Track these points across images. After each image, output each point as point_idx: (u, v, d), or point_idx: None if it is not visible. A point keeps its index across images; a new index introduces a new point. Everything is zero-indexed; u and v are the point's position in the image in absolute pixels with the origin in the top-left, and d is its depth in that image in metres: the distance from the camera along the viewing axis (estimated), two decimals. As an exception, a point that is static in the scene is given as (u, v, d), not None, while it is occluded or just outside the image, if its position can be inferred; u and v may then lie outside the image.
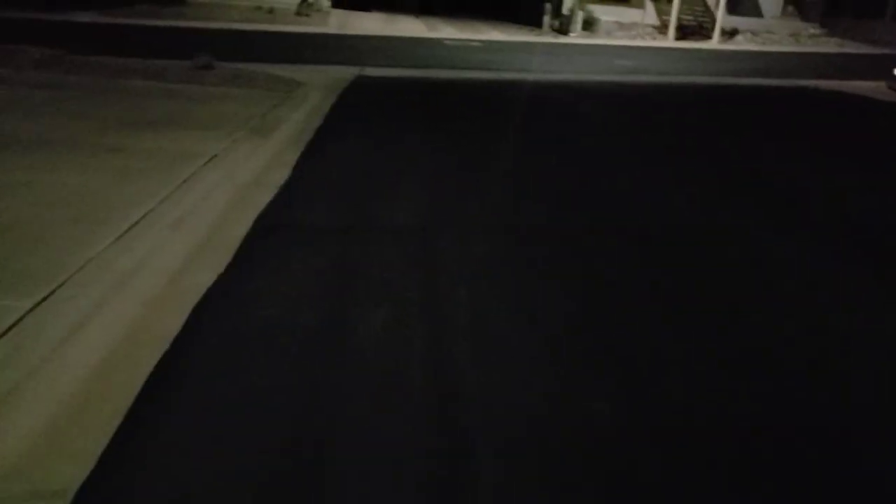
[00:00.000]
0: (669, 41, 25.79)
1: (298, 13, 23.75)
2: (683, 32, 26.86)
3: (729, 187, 6.28)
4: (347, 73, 12.27)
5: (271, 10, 23.64)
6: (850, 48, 27.53)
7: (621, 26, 26.58)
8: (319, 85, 10.38)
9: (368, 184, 5.69)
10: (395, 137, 7.49)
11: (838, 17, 33.13)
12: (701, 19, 28.47)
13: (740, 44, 26.78)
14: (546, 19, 25.04)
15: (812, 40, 28.84)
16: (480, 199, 5.45)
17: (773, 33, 28.83)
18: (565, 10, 25.96)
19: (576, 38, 24.55)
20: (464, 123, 8.51)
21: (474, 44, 19.99)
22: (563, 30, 25.17)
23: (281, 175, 5.61)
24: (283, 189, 5.28)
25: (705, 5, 28.61)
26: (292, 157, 6.19)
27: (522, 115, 9.46)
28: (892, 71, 13.95)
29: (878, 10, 33.92)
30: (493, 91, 11.58)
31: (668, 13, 27.29)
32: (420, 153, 6.85)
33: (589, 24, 25.70)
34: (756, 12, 29.39)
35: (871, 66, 20.94)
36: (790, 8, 29.84)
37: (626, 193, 5.94)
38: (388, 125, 8.06)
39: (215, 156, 5.79)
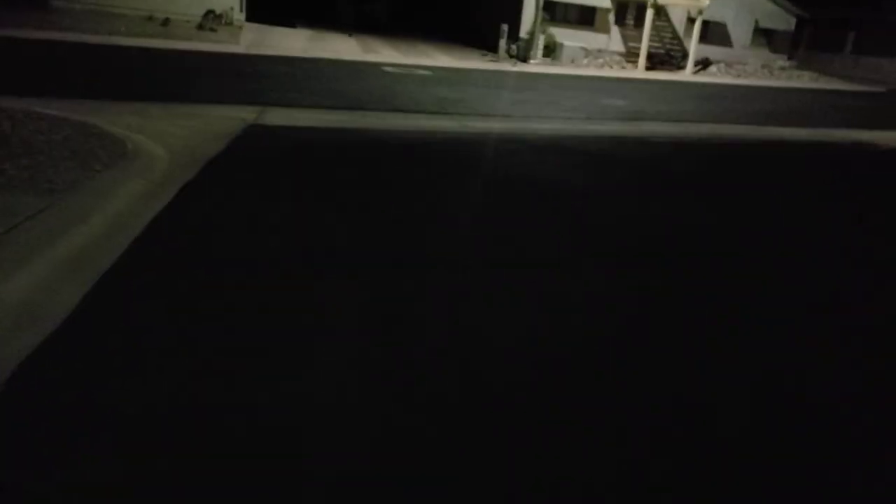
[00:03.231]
0: (640, 71, 22.68)
1: (201, 27, 19.17)
2: (652, 62, 23.88)
3: None
4: (235, 119, 7.98)
5: (166, 22, 18.97)
6: (827, 83, 25.30)
7: (586, 53, 23.31)
8: (170, 149, 6.08)
9: None
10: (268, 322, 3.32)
11: (798, 48, 31.33)
12: (669, 47, 25.64)
13: (715, 75, 24.00)
14: (502, 43, 21.39)
15: (785, 73, 26.50)
16: None
17: (744, 64, 26.33)
18: (524, 34, 22.45)
19: (537, 65, 21.03)
20: (418, 255, 4.39)
21: (421, 72, 16.01)
22: (521, 56, 21.61)
23: None
24: None
25: (674, 33, 25.81)
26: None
27: (523, 222, 5.45)
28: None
29: (838, 45, 32.44)
30: (462, 159, 7.49)
31: (636, 40, 24.29)
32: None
33: (550, 51, 22.26)
34: (726, 42, 26.85)
35: (872, 108, 18.33)
36: (761, 39, 27.46)
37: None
38: (255, 275, 3.83)
39: None
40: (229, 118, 8.04)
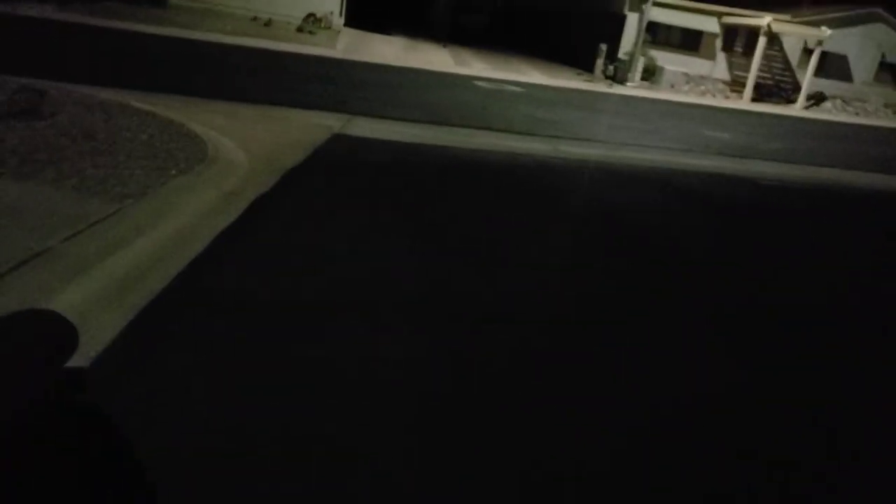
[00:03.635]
0: (745, 102, 21.29)
1: (300, 29, 19.53)
2: (759, 93, 22.39)
3: None
4: (322, 126, 7.78)
5: (269, 23, 19.45)
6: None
7: (688, 79, 22.15)
8: (252, 155, 5.88)
9: None
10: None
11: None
12: (779, 78, 24.01)
13: (830, 112, 22.23)
14: (599, 63, 20.63)
15: (910, 114, 24.22)
16: None
17: (863, 101, 24.27)
18: (622, 55, 21.59)
19: (634, 88, 20.11)
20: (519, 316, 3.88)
21: (512, 88, 15.54)
22: (618, 78, 20.75)
23: None
24: None
25: (786, 63, 24.15)
26: None
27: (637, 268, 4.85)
28: None
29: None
30: (549, 190, 6.93)
31: (743, 68, 22.87)
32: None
33: (650, 73, 21.28)
34: (844, 76, 24.86)
35: None
36: (885, 75, 25.25)
37: None
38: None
39: None
40: (316, 125, 7.85)
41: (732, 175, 8.93)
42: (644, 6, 20.31)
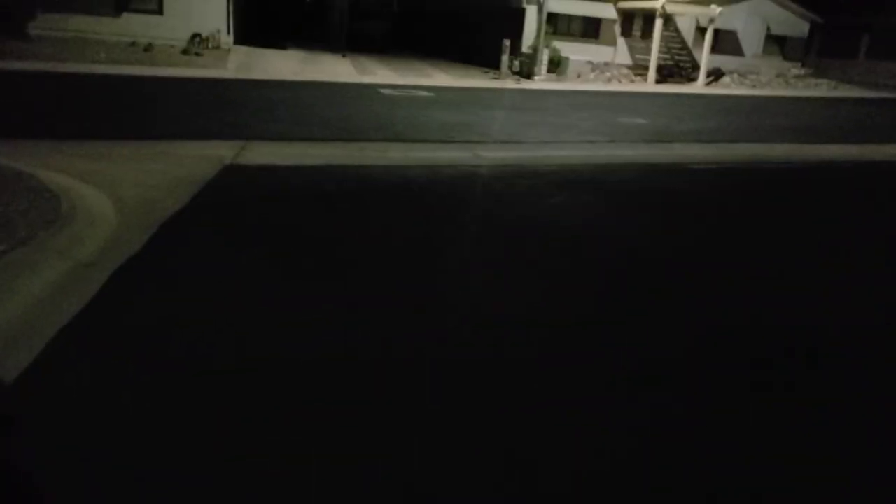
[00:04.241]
0: (650, 84, 21.57)
1: (186, 52, 18.06)
2: (662, 74, 22.77)
3: None
4: (211, 157, 6.75)
5: (149, 48, 17.87)
6: (848, 91, 24.19)
7: (592, 66, 22.21)
8: (122, 204, 4.83)
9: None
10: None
11: (809, 55, 30.25)
12: (678, 58, 24.55)
13: (729, 87, 22.89)
14: (505, 59, 20.27)
15: (802, 82, 25.40)
16: None
17: (757, 73, 25.21)
18: (526, 48, 21.35)
19: (542, 81, 19.90)
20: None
21: (421, 93, 14.84)
22: (525, 72, 20.49)
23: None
24: None
25: (683, 43, 24.73)
26: None
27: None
28: None
29: (852, 51, 31.36)
30: (478, 205, 6.21)
31: (643, 51, 23.20)
32: None
33: (555, 65, 21.15)
34: (736, 51, 25.75)
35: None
36: (773, 46, 26.37)
37: None
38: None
39: None
40: (205, 157, 6.82)
41: (661, 163, 8.56)
42: (541, -2, 20.16)
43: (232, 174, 6.31)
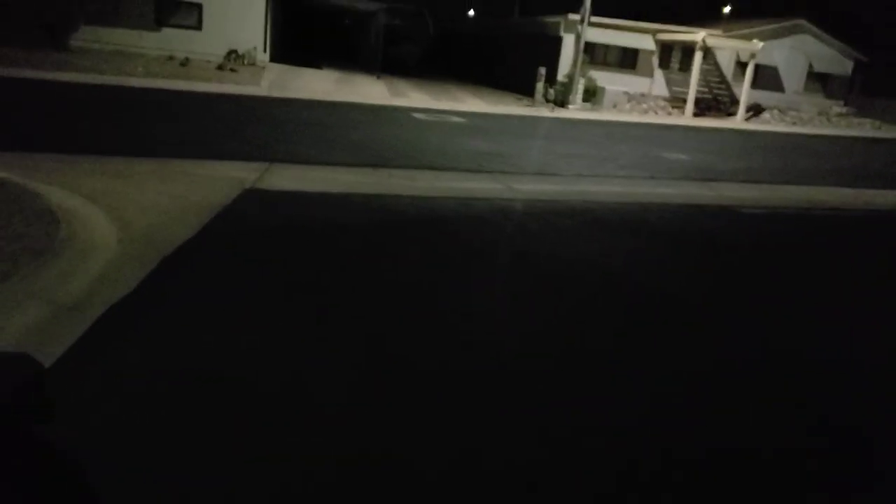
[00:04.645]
0: (688, 117, 21.03)
1: (221, 67, 18.11)
2: (699, 107, 22.22)
3: None
4: (232, 180, 6.45)
5: (186, 62, 17.95)
6: (891, 131, 23.34)
7: (629, 97, 21.77)
8: (127, 231, 4.52)
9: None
10: None
11: (852, 93, 29.40)
12: (717, 92, 24.01)
13: (769, 123, 22.23)
14: (539, 87, 19.96)
15: (844, 120, 24.62)
16: None
17: (797, 110, 24.51)
18: (562, 76, 21.03)
19: (577, 111, 19.51)
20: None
21: (454, 119, 14.55)
22: (559, 101, 20.13)
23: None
24: None
25: (722, 77, 24.20)
26: None
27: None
28: None
29: (892, 89, 30.46)
30: (509, 247, 5.78)
31: (681, 84, 22.72)
32: None
33: (591, 94, 20.76)
34: (776, 86, 25.11)
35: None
36: (815, 83, 25.67)
37: None
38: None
39: None
40: (225, 179, 6.53)
41: (708, 205, 8.04)
42: (579, 27, 19.85)
43: (250, 200, 5.98)
